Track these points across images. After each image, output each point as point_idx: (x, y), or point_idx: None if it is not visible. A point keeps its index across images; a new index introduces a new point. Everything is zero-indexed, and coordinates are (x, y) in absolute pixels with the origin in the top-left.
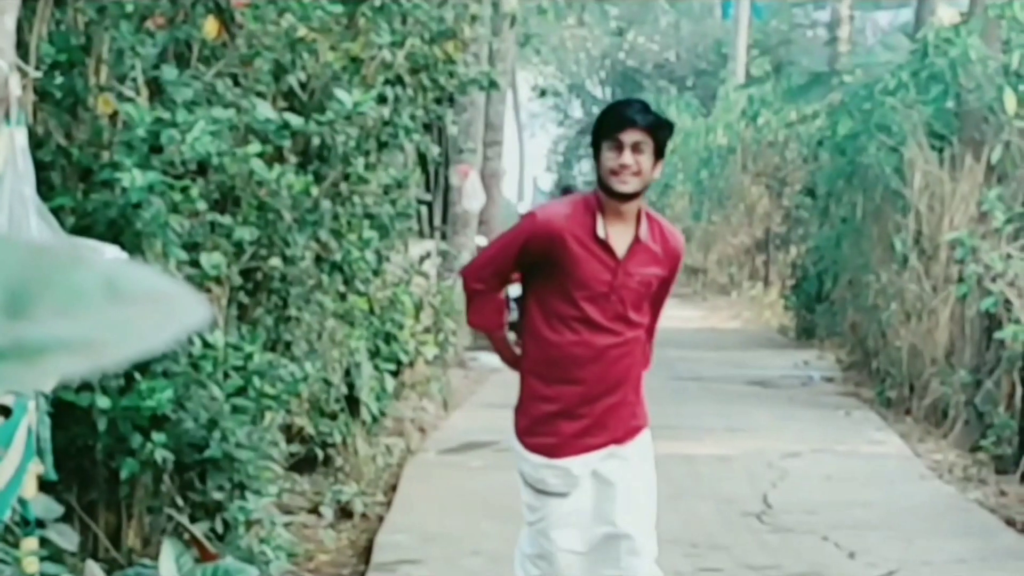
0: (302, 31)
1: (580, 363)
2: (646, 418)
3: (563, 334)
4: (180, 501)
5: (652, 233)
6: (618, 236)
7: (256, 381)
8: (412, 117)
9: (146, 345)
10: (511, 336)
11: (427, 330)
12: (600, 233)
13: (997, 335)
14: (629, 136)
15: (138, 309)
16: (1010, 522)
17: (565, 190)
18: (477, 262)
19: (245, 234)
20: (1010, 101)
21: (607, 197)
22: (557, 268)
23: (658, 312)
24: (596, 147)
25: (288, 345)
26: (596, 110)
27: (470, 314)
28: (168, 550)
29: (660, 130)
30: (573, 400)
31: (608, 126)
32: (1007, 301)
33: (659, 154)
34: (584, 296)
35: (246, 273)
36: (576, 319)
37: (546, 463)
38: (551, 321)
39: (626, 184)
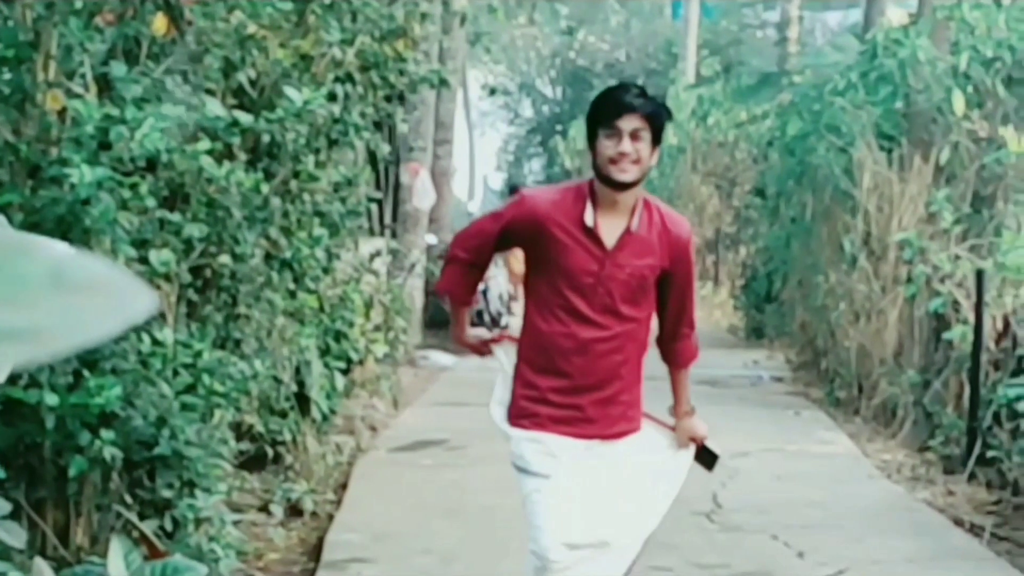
0: (252, 28)
1: (565, 354)
2: (638, 423)
3: (551, 324)
4: (129, 499)
5: (649, 223)
6: (609, 226)
7: (205, 379)
8: (362, 115)
9: (93, 334)
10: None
11: (377, 328)
12: (588, 221)
13: (945, 336)
14: (627, 123)
15: (84, 298)
16: (958, 522)
17: (512, 189)
18: (465, 231)
19: (194, 231)
20: (958, 102)
21: (603, 186)
22: (544, 255)
23: (685, 304)
24: (591, 134)
25: (238, 343)
26: (547, 109)
27: (442, 278)
28: (117, 547)
29: (658, 116)
30: (558, 389)
31: (605, 113)
32: (955, 302)
33: (656, 140)
34: (570, 286)
35: (195, 270)
36: (563, 308)
37: (526, 435)
38: (542, 310)
39: (625, 172)
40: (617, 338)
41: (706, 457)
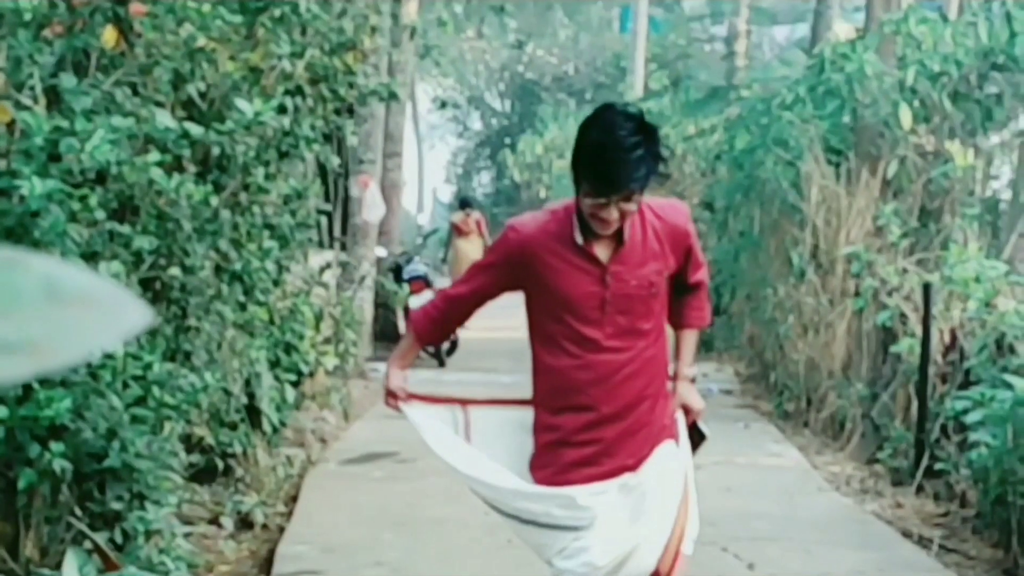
0: (201, 41)
1: (582, 387)
2: (671, 432)
3: (560, 358)
4: (79, 511)
5: (643, 225)
6: (602, 241)
7: (156, 391)
8: (312, 127)
9: (88, 347)
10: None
11: (327, 341)
12: (578, 240)
13: (893, 349)
14: (618, 194)
15: (79, 312)
16: (907, 534)
17: (463, 203)
18: (460, 279)
19: (144, 243)
20: (905, 116)
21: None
22: (541, 287)
23: (697, 271)
24: (576, 177)
25: (188, 355)
26: (495, 122)
27: (420, 310)
28: (71, 560)
29: (654, 180)
30: (577, 427)
31: (595, 185)
32: (903, 315)
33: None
34: (575, 314)
35: (145, 283)
36: (571, 339)
37: (549, 492)
38: (549, 347)
39: (607, 228)
40: (636, 359)
41: (694, 436)
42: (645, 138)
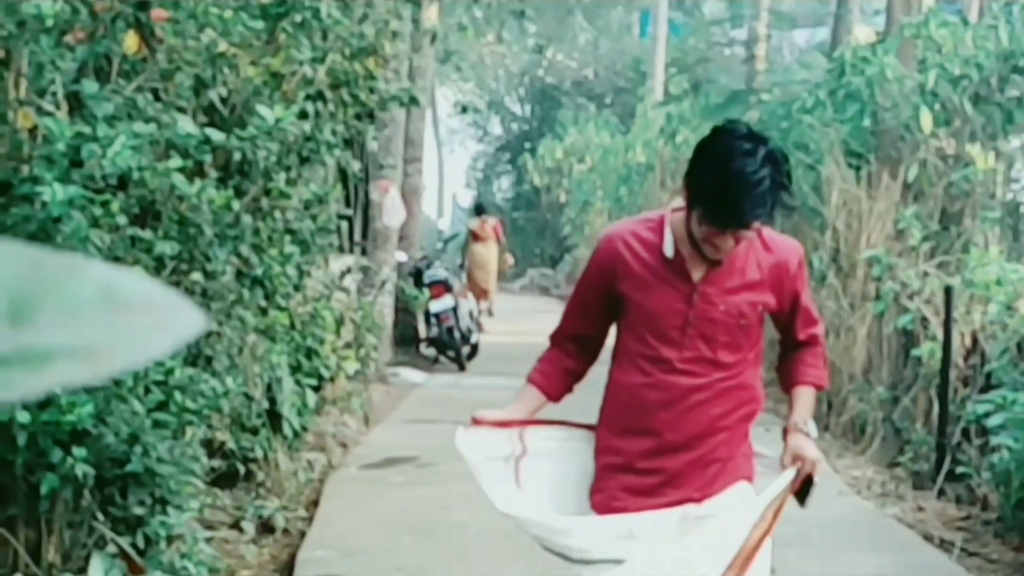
0: (223, 46)
1: (650, 409)
2: (746, 471)
3: (631, 375)
4: (101, 516)
5: (746, 252)
6: (695, 256)
7: (177, 396)
8: (333, 132)
9: (146, 352)
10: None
11: (348, 345)
12: (668, 252)
13: (914, 352)
14: (741, 230)
15: (136, 317)
16: (928, 538)
17: (478, 208)
18: (563, 317)
19: (166, 248)
20: (926, 120)
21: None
22: (626, 298)
23: (809, 327)
24: (690, 196)
25: (209, 360)
26: (515, 127)
27: (535, 369)
28: (97, 563)
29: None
30: (639, 452)
31: (713, 218)
32: (924, 319)
33: None
34: (655, 332)
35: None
36: (645, 358)
37: (604, 522)
38: (622, 361)
39: (720, 255)
40: (711, 387)
41: (803, 491)
42: (772, 169)
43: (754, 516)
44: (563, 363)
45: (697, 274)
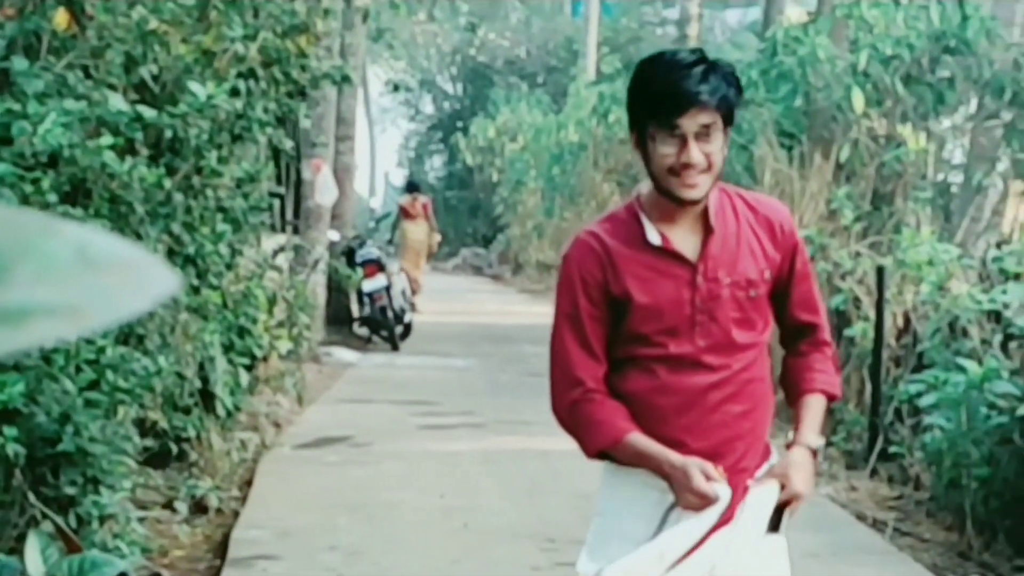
0: (154, 24)
1: (665, 416)
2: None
3: (636, 380)
4: (32, 496)
5: (735, 215)
6: (683, 236)
7: (109, 375)
8: (265, 110)
9: (121, 312)
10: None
11: (281, 324)
12: (653, 240)
13: (846, 332)
14: (692, 121)
15: (110, 276)
16: (861, 517)
17: (410, 186)
18: (553, 373)
19: (97, 227)
20: (858, 100)
21: (663, 199)
22: (621, 302)
23: (803, 307)
24: (640, 131)
25: (141, 339)
26: (447, 106)
27: (585, 441)
28: (33, 542)
29: (731, 100)
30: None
31: (660, 108)
32: (856, 299)
33: (727, 124)
34: (658, 327)
35: None
36: (651, 358)
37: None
38: (624, 367)
39: (694, 188)
40: (730, 381)
41: (775, 518)
42: (712, 63)
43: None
44: (617, 406)
45: (692, 254)
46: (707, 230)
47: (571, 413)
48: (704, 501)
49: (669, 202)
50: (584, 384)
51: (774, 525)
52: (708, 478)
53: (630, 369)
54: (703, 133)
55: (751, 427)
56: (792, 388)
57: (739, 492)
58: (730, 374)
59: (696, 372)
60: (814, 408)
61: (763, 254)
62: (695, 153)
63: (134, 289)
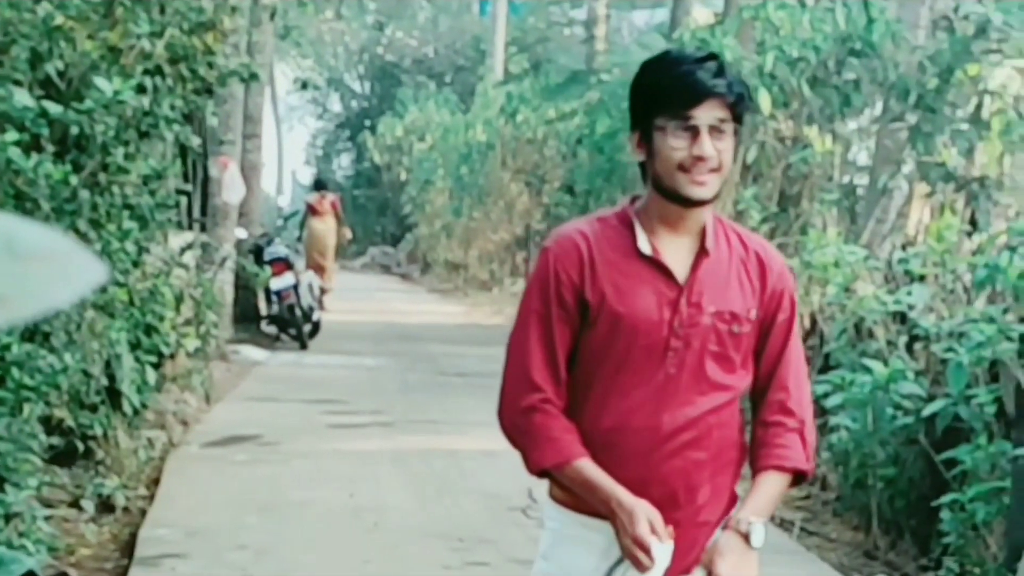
0: (59, 19)
1: (623, 457)
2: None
3: (593, 417)
4: None
5: (728, 247)
6: (675, 251)
7: (14, 372)
8: (172, 107)
9: (48, 302)
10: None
11: (188, 322)
12: (644, 248)
13: None
14: (707, 113)
15: (38, 267)
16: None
17: (318, 184)
18: (509, 371)
19: None
20: (765, 102)
21: (667, 202)
22: (592, 306)
23: (779, 374)
24: (644, 126)
25: (47, 336)
26: (355, 104)
27: (531, 454)
28: None
29: (743, 100)
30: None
31: (674, 98)
32: None
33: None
34: (629, 346)
35: None
36: (610, 390)
37: None
38: (585, 395)
39: (704, 186)
40: (696, 424)
41: None
42: (718, 57)
43: None
44: (572, 427)
45: (681, 272)
46: (701, 251)
47: (522, 419)
48: (640, 552)
49: (672, 204)
50: (542, 392)
51: None
52: (653, 530)
53: (589, 403)
54: (716, 128)
55: (711, 475)
56: (753, 462)
57: (697, 547)
58: (696, 414)
59: (659, 409)
60: (766, 488)
61: (751, 291)
62: (708, 146)
63: (61, 279)
